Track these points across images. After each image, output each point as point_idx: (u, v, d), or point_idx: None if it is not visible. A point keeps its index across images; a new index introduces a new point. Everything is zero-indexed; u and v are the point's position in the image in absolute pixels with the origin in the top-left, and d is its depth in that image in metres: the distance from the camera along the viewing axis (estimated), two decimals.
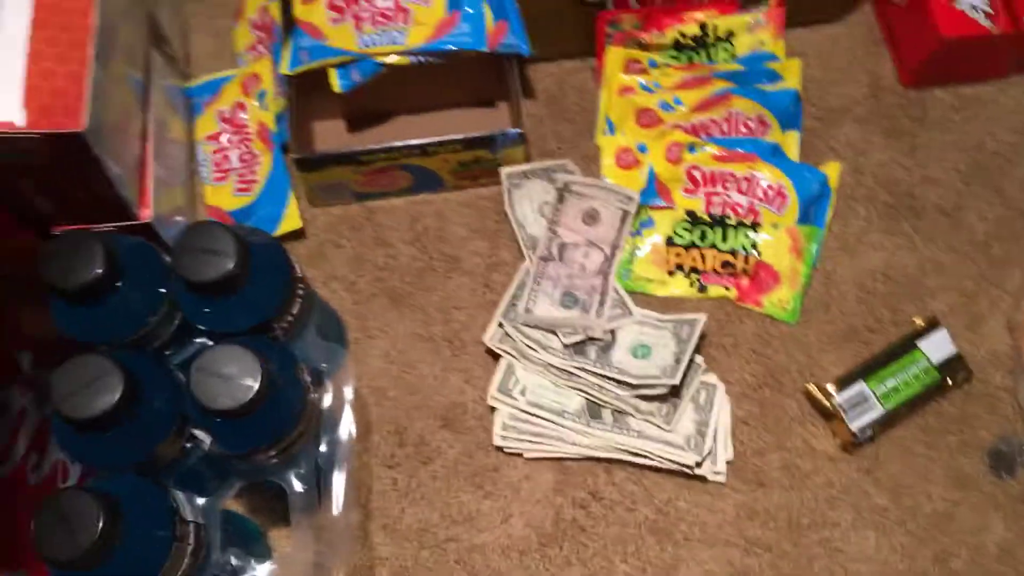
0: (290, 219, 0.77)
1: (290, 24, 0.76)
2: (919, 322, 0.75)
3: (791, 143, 0.82)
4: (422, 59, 0.73)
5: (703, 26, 0.82)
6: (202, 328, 0.57)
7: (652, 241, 0.78)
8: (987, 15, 0.80)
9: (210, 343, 0.58)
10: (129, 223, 0.67)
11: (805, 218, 0.78)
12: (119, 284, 0.53)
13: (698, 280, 0.78)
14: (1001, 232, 0.80)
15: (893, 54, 0.87)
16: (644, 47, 0.83)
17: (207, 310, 0.55)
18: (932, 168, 0.83)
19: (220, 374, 0.50)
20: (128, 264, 0.53)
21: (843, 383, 0.72)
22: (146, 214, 0.67)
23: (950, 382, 0.73)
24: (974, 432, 0.73)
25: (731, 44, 0.83)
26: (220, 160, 0.80)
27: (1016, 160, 0.83)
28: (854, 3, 0.88)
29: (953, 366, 0.74)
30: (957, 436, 0.73)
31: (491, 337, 0.74)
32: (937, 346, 0.74)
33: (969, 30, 0.79)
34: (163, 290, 0.57)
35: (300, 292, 0.60)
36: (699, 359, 0.74)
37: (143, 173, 0.69)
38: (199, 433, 0.55)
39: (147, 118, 0.71)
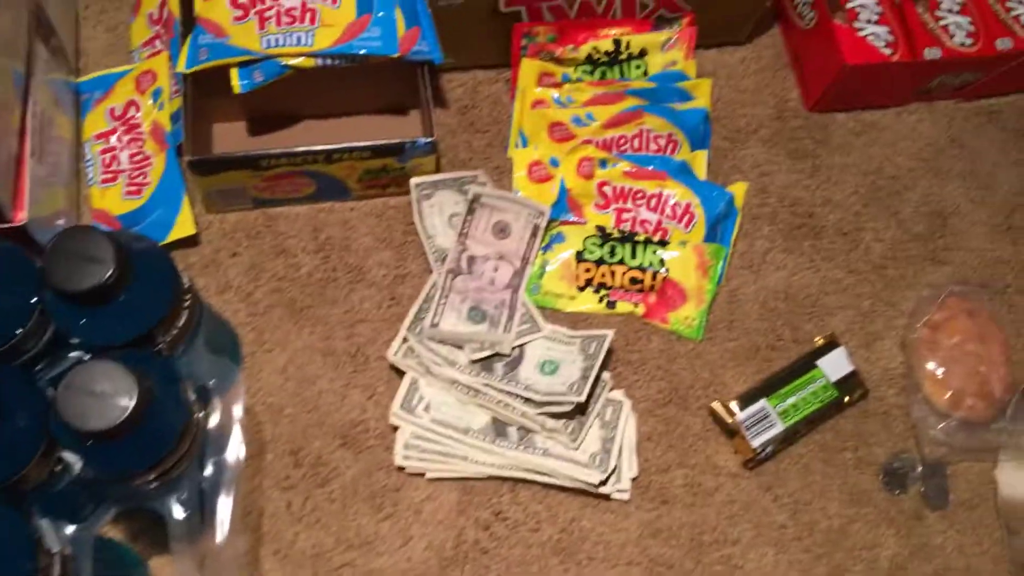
0: (183, 225, 0.73)
1: (190, 20, 0.72)
2: (818, 340, 0.77)
3: (700, 162, 0.82)
4: (329, 62, 0.71)
5: (617, 43, 0.82)
6: (77, 341, 0.53)
7: (562, 256, 0.78)
8: (888, 43, 0.83)
9: (87, 357, 0.54)
10: (1, 226, 0.62)
11: (712, 236, 0.79)
12: None
13: (607, 296, 0.78)
14: (896, 254, 0.83)
15: (798, 78, 0.89)
16: (558, 61, 0.82)
17: (82, 321, 0.52)
18: (833, 190, 0.85)
19: (91, 391, 0.46)
20: None
21: (745, 400, 0.73)
22: (20, 216, 0.62)
23: (847, 399, 0.75)
24: (869, 449, 0.75)
25: (644, 62, 0.83)
26: (109, 161, 0.75)
27: (912, 185, 0.86)
28: (762, 27, 0.90)
29: (850, 384, 0.75)
30: (853, 453, 0.75)
31: (395, 352, 0.72)
32: (835, 364, 0.76)
33: (871, 58, 0.82)
34: (34, 299, 0.53)
35: (187, 303, 0.56)
36: (606, 376, 0.73)
37: (19, 172, 0.64)
38: (68, 456, 0.51)
39: (26, 113, 0.66)
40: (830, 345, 0.77)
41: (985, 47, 0.84)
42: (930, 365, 0.76)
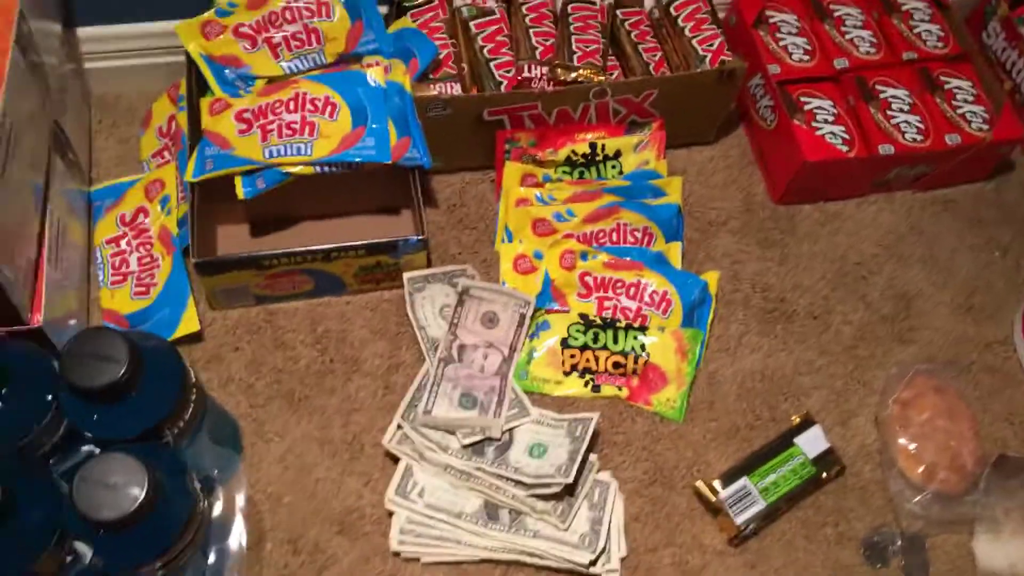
0: (188, 322, 0.77)
1: (197, 133, 0.78)
2: (795, 419, 0.80)
3: (674, 253, 0.88)
4: (327, 169, 0.77)
5: (593, 145, 0.89)
6: (89, 435, 0.56)
7: (548, 343, 0.82)
8: (845, 141, 0.90)
9: (98, 450, 0.57)
10: (19, 328, 0.65)
11: (689, 321, 0.83)
12: (3, 391, 0.52)
13: (592, 380, 0.81)
14: (865, 335, 0.87)
15: (764, 173, 0.96)
16: (539, 163, 0.88)
17: (95, 417, 0.55)
18: (802, 276, 0.90)
19: (104, 483, 0.49)
20: (13, 371, 0.52)
21: (727, 479, 0.76)
22: (37, 319, 0.66)
23: (825, 476, 0.78)
24: (849, 524, 0.77)
25: (619, 162, 0.90)
26: (118, 263, 0.80)
27: (877, 270, 0.91)
28: (728, 128, 0.98)
29: (827, 460, 0.78)
30: (834, 528, 0.77)
31: (390, 439, 0.75)
32: (812, 442, 0.79)
33: (829, 154, 0.88)
34: (49, 397, 0.56)
35: (193, 397, 0.60)
36: (593, 457, 0.76)
37: (37, 278, 0.68)
38: (80, 546, 0.54)
39: (44, 222, 0.71)
40: (806, 423, 0.80)
41: (936, 142, 0.91)
42: (903, 441, 0.79)
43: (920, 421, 0.80)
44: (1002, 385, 0.86)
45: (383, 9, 0.88)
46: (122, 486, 0.49)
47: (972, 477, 0.79)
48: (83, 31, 0.86)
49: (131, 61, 0.89)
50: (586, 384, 0.81)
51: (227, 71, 0.80)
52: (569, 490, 0.73)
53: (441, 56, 0.85)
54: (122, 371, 0.52)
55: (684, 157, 0.96)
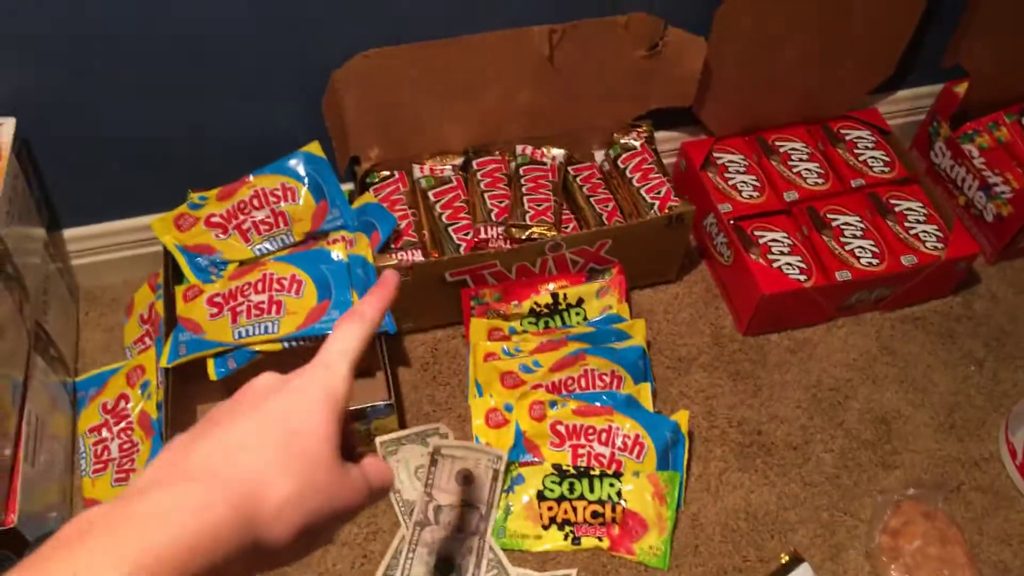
0: None
1: (173, 320, 0.82)
2: (783, 557, 0.78)
3: (645, 394, 0.88)
4: (294, 344, 0.80)
5: (555, 295, 0.92)
6: None
7: (524, 497, 0.81)
8: (802, 270, 0.92)
9: None
10: None
11: (664, 464, 0.83)
12: None
13: (571, 532, 0.80)
14: (847, 462, 0.86)
15: (729, 307, 0.98)
16: (504, 316, 0.91)
17: None
18: (777, 406, 0.90)
19: None
20: None
21: None
22: (11, 519, 0.68)
23: None
24: None
25: (582, 309, 0.92)
26: (100, 451, 0.82)
27: (851, 393, 0.91)
28: (689, 265, 1.01)
29: None
30: None
31: None
32: None
33: (785, 286, 0.90)
34: None
35: None
36: None
37: (12, 477, 0.70)
38: None
39: (22, 419, 0.73)
40: (794, 561, 0.78)
41: (891, 265, 0.93)
42: (895, 573, 0.77)
43: (911, 550, 0.78)
44: (994, 505, 0.83)
45: (348, 186, 0.94)
46: None
47: None
48: (68, 232, 0.92)
49: (114, 255, 0.95)
50: (566, 537, 0.80)
51: (200, 259, 0.85)
52: None
53: (402, 226, 0.90)
54: None
55: (650, 297, 0.98)
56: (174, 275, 0.86)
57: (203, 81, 0.82)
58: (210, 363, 0.79)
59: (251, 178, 0.87)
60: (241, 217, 0.87)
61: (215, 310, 0.81)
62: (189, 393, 0.83)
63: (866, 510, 0.83)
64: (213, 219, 0.86)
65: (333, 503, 0.34)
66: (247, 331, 0.79)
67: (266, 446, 0.33)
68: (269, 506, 0.31)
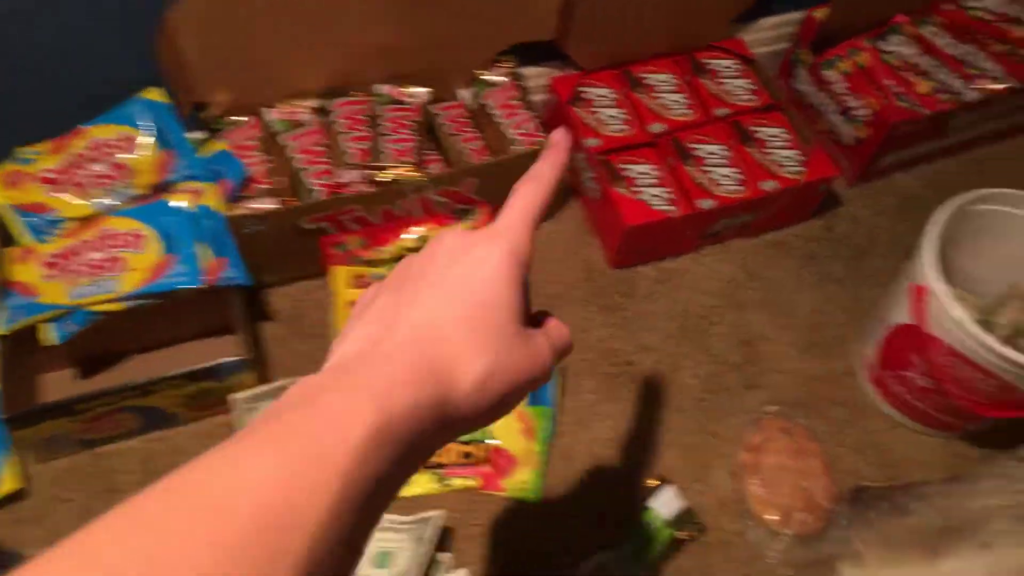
0: (9, 480, 0.74)
1: (3, 286, 0.77)
2: (650, 482, 0.80)
3: None
4: (139, 302, 0.76)
5: (423, 239, 0.90)
6: None
7: None
8: (669, 201, 0.93)
9: None
10: None
11: (534, 399, 0.83)
12: None
13: (442, 475, 0.80)
14: (713, 386, 0.88)
15: (600, 241, 0.98)
16: (370, 263, 0.89)
17: None
18: (646, 336, 0.91)
19: None
20: None
21: (586, 558, 0.74)
22: None
23: (684, 536, 0.77)
24: None
25: None
26: None
27: (717, 320, 0.93)
28: (561, 203, 1.00)
29: (685, 520, 0.78)
30: None
31: None
32: (667, 503, 0.78)
33: (650, 217, 0.91)
34: None
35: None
36: (446, 556, 0.74)
37: None
38: None
39: None
40: (661, 484, 0.79)
41: (753, 191, 0.94)
42: (755, 487, 0.79)
43: (770, 465, 0.80)
44: (852, 417, 0.87)
45: (199, 134, 0.89)
46: None
47: (829, 514, 0.79)
48: None
49: None
50: (437, 480, 0.80)
51: (35, 218, 0.80)
52: None
53: (255, 173, 0.86)
54: None
55: None
56: (6, 236, 0.80)
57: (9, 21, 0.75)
58: (42, 328, 0.74)
59: (86, 128, 0.82)
60: (77, 171, 0.81)
61: (49, 271, 0.76)
62: (31, 363, 0.79)
63: (731, 431, 0.85)
64: (47, 175, 0.81)
65: (522, 375, 0.34)
66: (85, 291, 0.74)
67: (459, 322, 0.33)
68: (464, 385, 0.32)
